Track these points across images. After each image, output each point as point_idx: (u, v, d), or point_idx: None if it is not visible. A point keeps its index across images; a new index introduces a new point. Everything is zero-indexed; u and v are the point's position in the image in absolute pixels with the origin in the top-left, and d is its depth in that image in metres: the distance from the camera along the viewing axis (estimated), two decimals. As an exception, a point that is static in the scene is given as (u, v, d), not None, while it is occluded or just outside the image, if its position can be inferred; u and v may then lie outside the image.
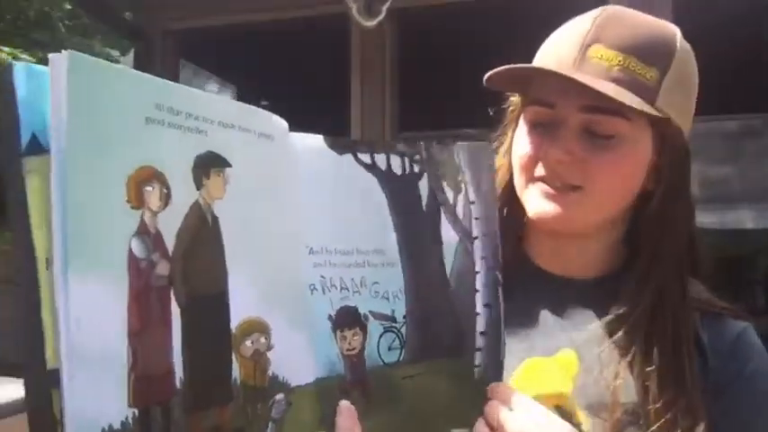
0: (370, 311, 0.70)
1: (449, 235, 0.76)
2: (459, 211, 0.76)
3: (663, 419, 0.79)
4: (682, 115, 0.86)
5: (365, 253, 0.71)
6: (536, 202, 0.86)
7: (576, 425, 0.81)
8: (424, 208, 0.74)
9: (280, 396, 0.64)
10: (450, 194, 0.76)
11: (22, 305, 0.49)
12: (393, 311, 0.72)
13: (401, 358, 0.72)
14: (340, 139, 0.70)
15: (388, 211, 0.72)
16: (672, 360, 0.82)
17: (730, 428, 0.81)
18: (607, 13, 0.85)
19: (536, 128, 0.88)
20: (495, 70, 0.85)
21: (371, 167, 0.72)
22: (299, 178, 0.66)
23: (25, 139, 0.50)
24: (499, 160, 0.96)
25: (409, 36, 5.00)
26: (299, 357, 0.65)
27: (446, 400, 0.74)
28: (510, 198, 0.94)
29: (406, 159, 0.74)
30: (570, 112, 0.85)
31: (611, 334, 0.85)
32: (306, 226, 0.66)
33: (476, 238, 0.77)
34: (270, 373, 0.63)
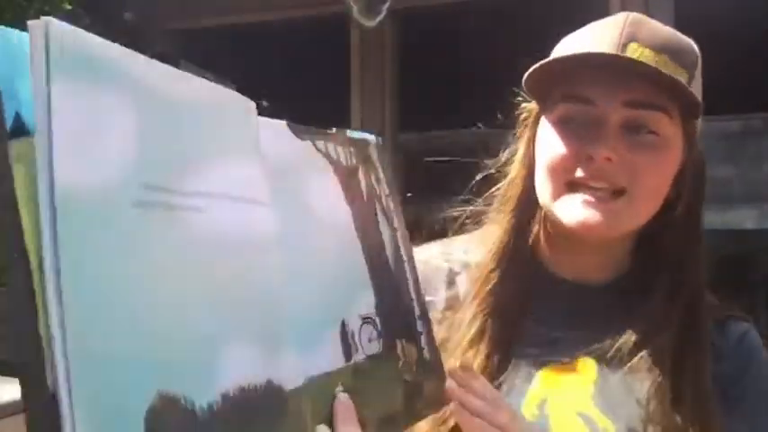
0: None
1: (383, 226, 0.78)
2: (384, 203, 0.78)
3: None
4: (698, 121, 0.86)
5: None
6: (577, 211, 0.81)
7: (600, 429, 0.82)
8: (365, 199, 0.75)
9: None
10: (377, 187, 0.77)
11: (16, 317, 0.42)
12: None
13: (380, 349, 0.71)
14: (297, 125, 0.69)
15: (344, 201, 0.72)
16: (697, 384, 0.81)
17: (734, 428, 0.81)
18: (634, 16, 0.83)
19: (568, 125, 0.83)
20: (546, 61, 0.82)
21: (327, 156, 0.72)
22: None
23: (9, 118, 0.43)
24: (513, 170, 0.91)
25: (409, 36, 5.00)
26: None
27: (406, 382, 0.75)
28: (527, 209, 0.89)
29: (346, 150, 0.75)
30: (612, 108, 0.80)
31: (636, 348, 0.84)
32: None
33: (396, 229, 0.79)
34: None
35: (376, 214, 0.77)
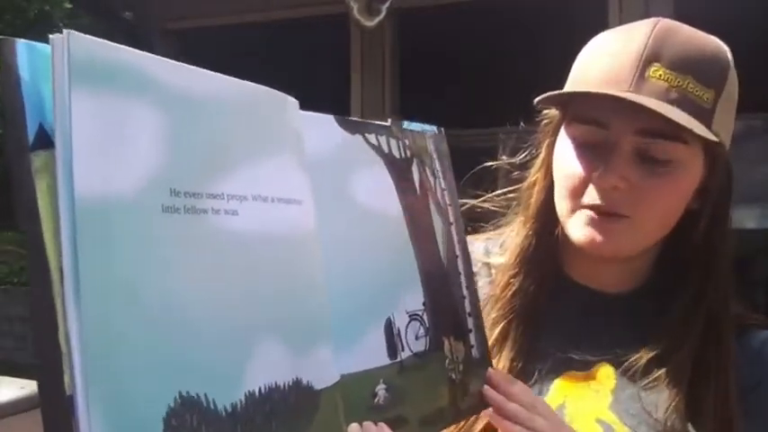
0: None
1: (436, 220, 0.76)
2: (438, 197, 0.77)
3: None
4: (728, 135, 0.84)
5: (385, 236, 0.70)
6: (582, 229, 0.82)
7: None
8: (418, 193, 0.74)
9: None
10: (431, 181, 0.76)
11: (38, 325, 0.42)
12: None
13: (427, 347, 0.70)
14: (348, 119, 0.68)
15: (396, 195, 0.71)
16: (719, 399, 0.81)
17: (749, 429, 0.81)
18: (661, 27, 0.81)
19: (583, 147, 0.83)
20: (549, 95, 0.81)
21: (378, 150, 0.70)
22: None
23: (32, 130, 0.43)
24: (533, 175, 0.92)
25: (409, 36, 4.99)
26: None
27: (446, 381, 0.73)
28: (549, 216, 0.89)
29: (401, 143, 0.73)
30: (624, 135, 0.80)
31: (657, 362, 0.83)
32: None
33: (451, 223, 0.78)
34: None
35: (429, 208, 0.75)
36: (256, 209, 0.54)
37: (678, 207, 0.83)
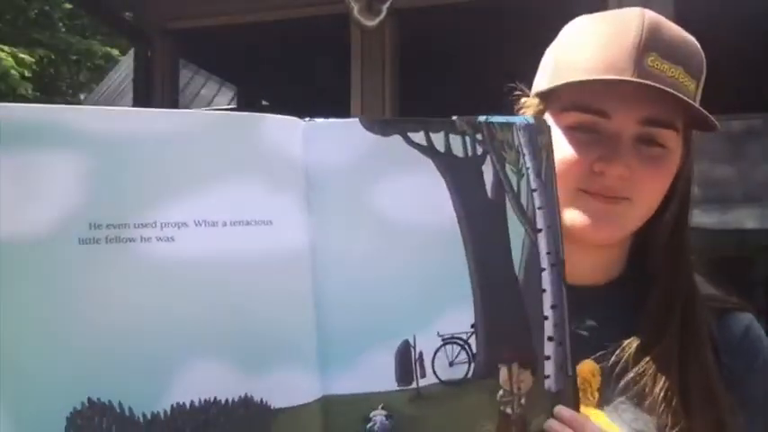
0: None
1: (515, 227, 0.67)
2: (523, 199, 0.67)
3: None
4: None
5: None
6: (582, 216, 0.82)
7: None
8: (489, 196, 0.65)
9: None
10: (513, 180, 0.67)
11: None
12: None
13: (469, 374, 0.63)
14: (383, 118, 0.64)
15: (450, 201, 0.63)
16: (704, 384, 0.81)
17: (744, 421, 0.81)
18: (651, 17, 0.82)
19: (576, 134, 0.83)
20: (569, 82, 0.80)
21: (428, 150, 0.63)
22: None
23: None
24: None
25: (409, 36, 4.99)
26: None
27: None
28: None
29: (468, 139, 0.64)
30: (628, 124, 0.81)
31: (640, 356, 0.83)
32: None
33: (540, 230, 0.68)
34: None
35: (505, 212, 0.66)
36: (200, 234, 0.56)
37: (664, 191, 0.86)
